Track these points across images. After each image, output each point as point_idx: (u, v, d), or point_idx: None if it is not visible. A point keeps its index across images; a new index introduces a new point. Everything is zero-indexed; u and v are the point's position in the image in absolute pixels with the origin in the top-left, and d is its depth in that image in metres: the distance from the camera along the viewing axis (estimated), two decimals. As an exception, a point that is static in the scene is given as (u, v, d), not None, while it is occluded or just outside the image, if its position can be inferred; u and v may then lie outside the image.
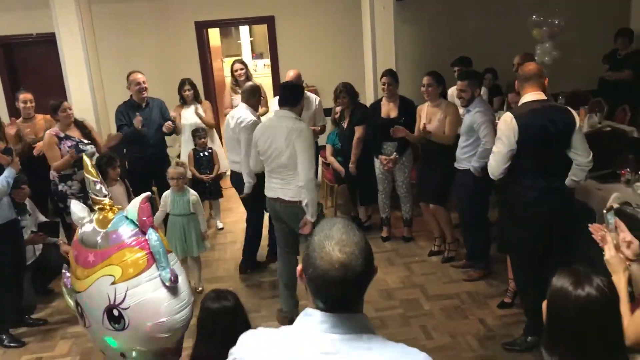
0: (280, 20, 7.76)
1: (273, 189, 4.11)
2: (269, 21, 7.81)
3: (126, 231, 2.26)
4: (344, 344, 1.33)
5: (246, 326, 2.49)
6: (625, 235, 2.12)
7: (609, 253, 2.10)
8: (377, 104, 5.54)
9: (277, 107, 4.19)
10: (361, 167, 5.66)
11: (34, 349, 4.24)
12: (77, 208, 2.66)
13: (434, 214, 5.16)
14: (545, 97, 3.53)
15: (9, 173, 4.19)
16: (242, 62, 6.68)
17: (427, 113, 5.00)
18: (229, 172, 5.40)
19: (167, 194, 4.75)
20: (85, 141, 5.09)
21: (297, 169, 3.88)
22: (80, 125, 5.19)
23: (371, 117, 5.54)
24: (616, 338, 1.67)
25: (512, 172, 3.57)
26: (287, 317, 4.19)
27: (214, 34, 8.66)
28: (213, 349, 2.23)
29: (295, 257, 4.23)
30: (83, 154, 2.97)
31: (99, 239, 2.29)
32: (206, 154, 6.13)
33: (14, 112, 6.79)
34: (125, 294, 2.18)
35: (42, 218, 5.08)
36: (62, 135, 5.02)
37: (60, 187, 5.08)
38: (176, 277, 2.20)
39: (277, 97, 4.31)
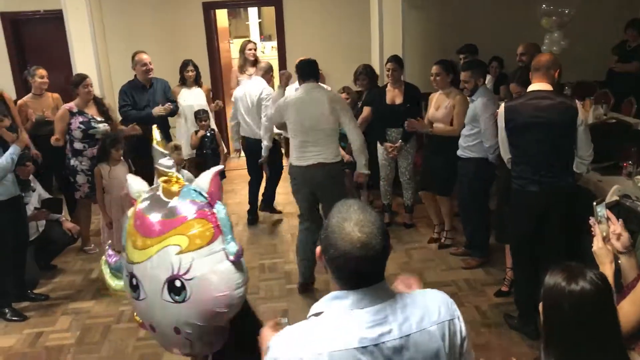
0: (289, 3, 7.73)
1: (308, 157, 4.24)
2: (277, 3, 7.78)
3: (195, 203, 2.24)
4: (388, 309, 1.41)
5: (254, 320, 2.53)
6: (616, 227, 2.12)
7: (596, 245, 2.12)
8: (382, 90, 5.52)
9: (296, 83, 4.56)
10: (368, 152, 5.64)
11: (35, 323, 4.30)
12: (134, 181, 2.65)
13: (438, 203, 5.17)
14: (550, 89, 3.52)
15: (13, 150, 4.23)
16: (254, 43, 6.71)
17: (436, 100, 5.00)
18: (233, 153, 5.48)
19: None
20: (99, 119, 5.12)
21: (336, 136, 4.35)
22: (99, 103, 5.23)
23: (376, 102, 5.53)
24: (612, 330, 1.67)
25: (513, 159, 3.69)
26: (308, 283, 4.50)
27: (222, 15, 8.63)
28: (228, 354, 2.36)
29: (313, 234, 4.31)
30: (154, 128, 2.93)
31: (166, 209, 2.28)
32: (208, 135, 6.14)
33: (21, 87, 6.83)
34: (191, 264, 2.16)
35: (45, 195, 5.12)
36: (75, 110, 5.07)
37: (72, 162, 5.14)
38: (241, 252, 2.20)
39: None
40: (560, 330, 1.67)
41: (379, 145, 5.54)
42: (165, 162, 2.43)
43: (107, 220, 4.75)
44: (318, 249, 1.48)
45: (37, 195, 5.01)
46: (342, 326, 1.39)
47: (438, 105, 4.95)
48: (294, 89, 5.26)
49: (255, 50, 6.63)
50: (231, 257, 2.22)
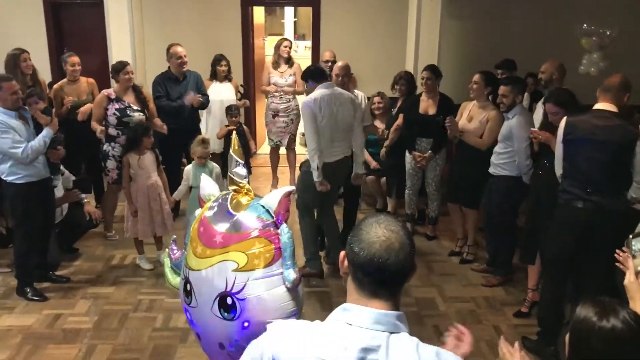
0: (326, 4, 7.72)
1: (336, 153, 4.59)
2: (315, 4, 7.78)
3: (260, 220, 2.15)
4: (384, 340, 1.34)
5: None
6: (651, 263, 2.08)
7: (628, 278, 2.07)
8: (416, 99, 5.47)
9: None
10: (400, 160, 5.63)
11: (54, 305, 4.36)
12: (207, 184, 2.59)
13: (465, 216, 5.12)
14: (614, 110, 3.45)
15: (46, 133, 4.30)
16: (290, 41, 6.75)
17: (469, 111, 4.94)
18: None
19: (189, 167, 4.80)
20: (135, 107, 5.18)
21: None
22: (137, 91, 5.29)
23: (408, 111, 5.50)
24: None
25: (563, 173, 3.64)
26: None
27: (258, 12, 8.65)
28: None
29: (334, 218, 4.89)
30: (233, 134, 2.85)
31: (230, 222, 2.20)
32: (238, 130, 6.16)
33: (58, 72, 6.92)
34: (246, 284, 2.08)
35: (71, 177, 5.20)
36: (113, 96, 5.14)
37: (105, 147, 5.22)
38: (299, 281, 2.10)
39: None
40: None
41: (407, 154, 5.50)
42: (239, 170, 2.35)
43: (132, 209, 4.78)
44: (342, 253, 1.47)
45: (66, 178, 5.09)
46: (336, 338, 1.36)
47: (471, 117, 4.90)
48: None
49: (290, 48, 6.68)
50: (288, 284, 2.16)
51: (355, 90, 5.53)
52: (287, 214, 2.21)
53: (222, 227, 2.26)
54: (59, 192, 4.90)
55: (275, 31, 12.28)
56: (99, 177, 5.78)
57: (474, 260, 5.10)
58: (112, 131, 5.16)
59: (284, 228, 2.17)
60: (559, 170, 3.64)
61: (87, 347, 3.81)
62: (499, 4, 7.44)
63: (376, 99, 6.14)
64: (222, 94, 6.33)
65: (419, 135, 5.34)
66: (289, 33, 12.46)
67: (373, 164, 6.02)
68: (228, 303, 2.16)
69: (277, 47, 6.69)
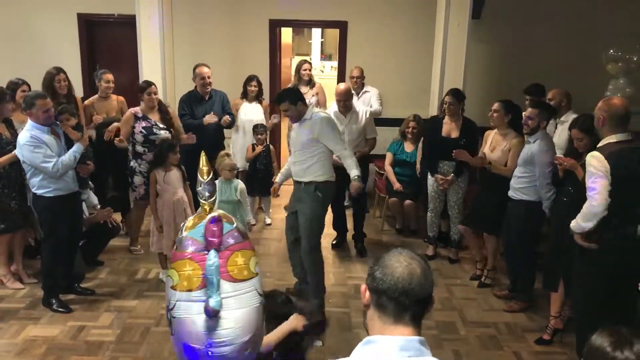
0: (353, 26, 7.79)
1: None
2: (342, 26, 7.86)
3: (195, 243, 2.13)
4: None
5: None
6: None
7: None
8: (439, 121, 5.50)
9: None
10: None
11: (79, 317, 4.44)
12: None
13: (482, 240, 5.09)
14: (630, 138, 3.39)
15: (77, 148, 4.41)
16: (310, 63, 6.83)
17: (492, 140, 4.95)
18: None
19: (215, 182, 4.86)
20: (161, 126, 5.29)
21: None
22: (163, 110, 5.41)
23: (431, 133, 5.51)
24: None
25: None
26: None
27: (286, 32, 8.80)
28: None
29: None
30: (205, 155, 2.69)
31: (179, 239, 2.23)
32: (264, 149, 6.24)
33: (89, 87, 7.09)
34: (175, 303, 2.10)
35: (95, 199, 5.33)
36: (140, 115, 5.27)
37: (131, 164, 5.35)
38: (212, 312, 2.03)
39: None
40: None
41: (429, 176, 5.51)
42: (201, 190, 2.37)
43: (158, 224, 4.87)
44: (363, 286, 1.52)
45: (89, 200, 5.23)
46: None
47: (494, 146, 4.90)
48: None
49: (309, 70, 6.71)
50: (206, 312, 2.08)
51: (354, 105, 5.63)
52: (216, 240, 2.11)
53: (174, 244, 2.31)
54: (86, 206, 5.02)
55: (302, 51, 12.42)
56: (126, 193, 5.88)
57: (492, 284, 5.07)
58: (139, 148, 5.28)
59: (210, 255, 2.13)
60: (602, 204, 3.28)
61: (109, 360, 3.87)
62: (525, 29, 7.44)
63: (411, 124, 6.18)
64: (252, 114, 6.40)
65: (441, 158, 5.35)
66: (316, 53, 12.59)
67: (397, 185, 6.04)
68: (168, 318, 2.18)
69: (297, 70, 6.77)
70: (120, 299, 4.74)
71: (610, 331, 1.65)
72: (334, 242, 5.90)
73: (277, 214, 6.62)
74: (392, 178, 6.10)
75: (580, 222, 3.40)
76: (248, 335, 2.13)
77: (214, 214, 2.16)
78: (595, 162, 3.28)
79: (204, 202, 2.30)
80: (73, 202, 4.56)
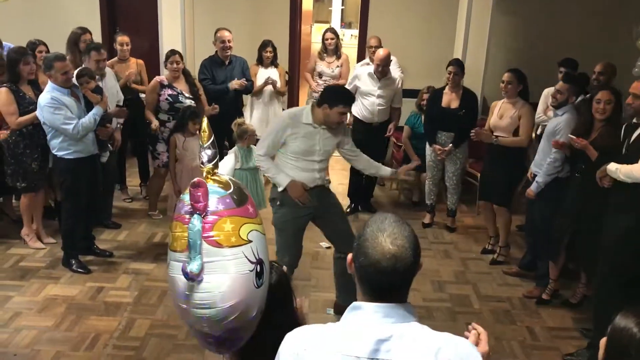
0: (376, -7, 7.67)
1: None
2: (364, -7, 7.73)
3: (187, 206, 2.11)
4: (396, 330, 1.40)
5: (290, 299, 2.52)
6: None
7: None
8: (439, 92, 5.49)
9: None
10: None
11: (97, 278, 4.51)
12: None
13: (497, 214, 5.08)
14: None
15: (96, 111, 4.43)
16: (334, 32, 6.71)
17: (500, 108, 4.89)
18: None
19: (236, 150, 4.84)
20: (187, 95, 5.29)
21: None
22: (190, 81, 5.42)
23: (431, 104, 5.53)
24: None
25: None
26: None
27: (307, -1, 8.67)
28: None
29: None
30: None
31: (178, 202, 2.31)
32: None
33: (109, 51, 7.08)
34: (169, 261, 2.14)
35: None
36: (165, 83, 5.27)
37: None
38: (190, 274, 2.01)
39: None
40: None
41: (427, 146, 5.56)
42: (202, 155, 2.37)
43: (177, 189, 4.91)
44: (349, 256, 1.51)
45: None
46: (351, 334, 1.42)
47: (502, 114, 4.85)
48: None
49: (332, 40, 6.58)
50: (185, 274, 2.07)
51: (392, 72, 5.68)
52: (200, 205, 2.07)
53: None
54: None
55: (322, 18, 12.25)
56: (144, 157, 5.92)
57: (504, 262, 5.05)
58: (163, 116, 5.30)
59: (193, 220, 2.15)
60: None
61: (126, 321, 3.95)
62: (551, 2, 7.27)
63: (425, 95, 6.11)
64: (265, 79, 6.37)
65: (440, 128, 5.37)
66: (335, 20, 12.40)
67: (415, 158, 6.00)
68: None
69: (323, 39, 6.70)
70: (137, 261, 4.81)
71: (636, 312, 1.63)
72: (347, 210, 5.92)
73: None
74: (410, 151, 6.06)
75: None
76: (232, 301, 2.11)
77: (196, 179, 2.14)
78: None
79: (201, 166, 2.29)
80: (92, 164, 4.60)
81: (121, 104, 5.22)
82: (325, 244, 5.07)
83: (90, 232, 4.90)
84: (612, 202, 3.59)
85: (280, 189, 3.78)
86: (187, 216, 2.12)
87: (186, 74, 5.44)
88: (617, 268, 3.53)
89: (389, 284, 1.42)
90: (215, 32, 5.91)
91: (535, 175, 4.43)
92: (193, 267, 2.05)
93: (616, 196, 3.54)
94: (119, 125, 5.26)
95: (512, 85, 4.74)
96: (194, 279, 2.06)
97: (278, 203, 3.84)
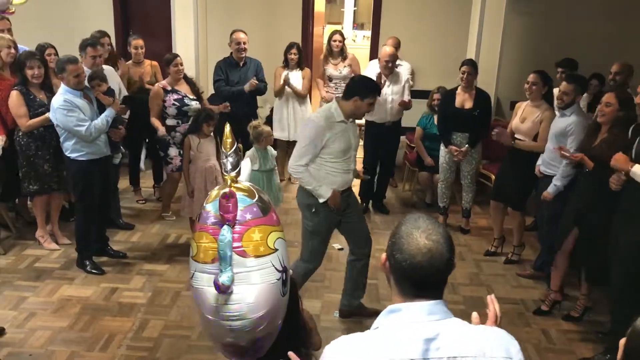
0: (388, -5, 7.66)
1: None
2: (377, -6, 7.73)
3: (212, 216, 2.11)
4: (441, 327, 1.40)
5: (295, 302, 2.49)
6: None
7: None
8: (451, 93, 5.47)
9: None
10: None
11: (111, 279, 4.54)
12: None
13: (507, 215, 5.05)
14: None
15: (109, 113, 4.47)
16: (341, 34, 6.71)
17: (523, 111, 4.84)
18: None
19: (253, 152, 4.86)
20: (191, 96, 5.31)
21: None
22: (191, 82, 5.43)
23: (444, 105, 5.51)
24: None
25: None
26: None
27: (319, 0, 8.67)
28: None
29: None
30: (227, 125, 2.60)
31: (201, 211, 2.22)
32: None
33: (123, 53, 7.13)
34: (194, 273, 2.13)
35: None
36: (169, 88, 5.27)
37: (166, 138, 5.34)
38: (223, 287, 2.02)
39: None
40: None
41: (441, 147, 5.52)
42: (225, 162, 2.32)
43: (190, 189, 4.93)
44: (383, 255, 1.51)
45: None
46: (396, 338, 1.40)
47: (524, 117, 4.78)
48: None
49: (339, 41, 6.58)
50: (215, 287, 2.07)
51: (399, 66, 5.83)
52: (230, 215, 2.07)
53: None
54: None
55: (334, 20, 12.24)
56: (159, 159, 5.95)
57: (519, 260, 5.03)
58: (171, 122, 5.28)
59: (223, 231, 2.08)
60: None
61: (140, 321, 3.96)
62: (566, 1, 7.22)
63: (436, 96, 6.09)
64: (292, 82, 6.39)
65: (455, 129, 5.35)
66: (348, 22, 12.39)
67: (427, 159, 5.98)
68: (190, 285, 2.22)
69: (329, 40, 6.70)
70: (151, 262, 4.83)
71: None
72: None
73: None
74: (423, 153, 6.04)
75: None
76: (262, 312, 2.12)
77: (226, 189, 2.11)
78: None
79: (225, 174, 2.24)
80: (105, 165, 4.63)
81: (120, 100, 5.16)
82: (337, 245, 5.06)
83: (104, 233, 4.93)
84: (626, 211, 3.49)
85: (321, 201, 3.69)
86: (213, 227, 2.10)
87: (184, 75, 5.42)
88: (634, 279, 3.45)
89: (425, 279, 1.42)
90: (231, 34, 5.95)
91: (543, 174, 4.41)
92: (224, 279, 2.04)
93: (631, 205, 3.44)
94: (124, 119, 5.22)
95: (537, 87, 4.67)
96: (225, 291, 2.05)
97: (314, 210, 3.74)
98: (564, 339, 3.96)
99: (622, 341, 1.64)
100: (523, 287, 4.66)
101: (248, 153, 4.94)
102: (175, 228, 5.45)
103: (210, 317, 2.11)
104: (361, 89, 3.62)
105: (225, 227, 2.08)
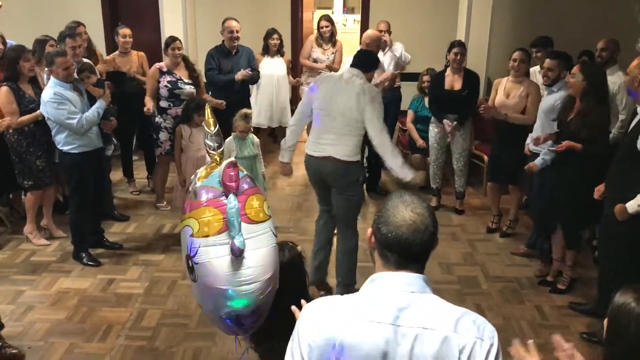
0: (377, -23, 7.62)
1: (322, 149, 3.84)
2: (365, -23, 7.69)
3: (212, 190, 2.23)
4: (415, 299, 1.45)
5: (303, 281, 2.57)
6: None
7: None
8: (441, 75, 5.50)
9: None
10: None
11: (108, 270, 4.56)
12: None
13: (510, 192, 5.13)
14: None
15: (99, 104, 4.46)
16: (329, 19, 6.70)
17: (505, 87, 4.88)
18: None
19: (230, 140, 4.80)
20: (186, 80, 5.30)
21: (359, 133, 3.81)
22: (190, 68, 5.42)
23: (434, 87, 5.54)
24: None
25: None
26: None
27: (308, -15, 8.62)
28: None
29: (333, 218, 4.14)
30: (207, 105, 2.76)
31: (193, 189, 2.34)
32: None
33: (112, 44, 7.10)
34: (198, 249, 2.19)
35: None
36: (164, 69, 5.28)
37: (156, 119, 5.37)
38: (238, 251, 2.14)
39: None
40: (623, 352, 1.61)
41: (430, 127, 5.58)
42: (208, 141, 2.43)
43: (182, 179, 4.94)
44: (369, 230, 1.56)
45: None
46: (371, 302, 1.46)
47: (508, 93, 4.85)
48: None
49: (327, 27, 6.56)
50: (232, 251, 2.18)
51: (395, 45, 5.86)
52: (234, 184, 2.20)
53: (188, 195, 2.40)
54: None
55: (324, 4, 12.18)
56: (150, 149, 5.94)
57: (513, 233, 5.12)
58: (164, 103, 5.30)
59: (230, 199, 2.21)
60: None
61: (138, 311, 3.99)
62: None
63: (425, 78, 6.09)
64: (273, 68, 6.38)
65: (446, 111, 5.37)
66: (338, 6, 12.36)
67: (420, 142, 5.99)
68: (189, 265, 2.27)
69: (318, 27, 6.69)
70: (147, 253, 4.85)
71: (634, 288, 1.64)
72: None
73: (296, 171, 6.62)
74: (415, 135, 6.06)
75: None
76: (269, 273, 2.25)
77: (230, 159, 2.26)
78: None
79: (212, 152, 2.38)
80: (97, 157, 4.63)
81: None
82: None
83: (99, 225, 4.94)
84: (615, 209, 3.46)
85: (409, 178, 3.91)
86: (215, 199, 2.23)
87: (186, 59, 5.44)
88: (621, 274, 3.46)
89: (409, 250, 1.47)
90: (223, 22, 5.91)
91: (532, 152, 4.44)
92: (239, 243, 2.17)
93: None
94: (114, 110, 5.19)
95: (524, 64, 4.79)
96: (240, 254, 2.18)
97: (360, 179, 3.94)
98: (557, 315, 4.01)
99: (605, 321, 1.68)
100: (517, 265, 4.70)
101: (226, 141, 4.93)
102: (170, 218, 5.46)
103: (224, 287, 2.20)
104: (365, 64, 3.91)
105: (231, 195, 2.22)
